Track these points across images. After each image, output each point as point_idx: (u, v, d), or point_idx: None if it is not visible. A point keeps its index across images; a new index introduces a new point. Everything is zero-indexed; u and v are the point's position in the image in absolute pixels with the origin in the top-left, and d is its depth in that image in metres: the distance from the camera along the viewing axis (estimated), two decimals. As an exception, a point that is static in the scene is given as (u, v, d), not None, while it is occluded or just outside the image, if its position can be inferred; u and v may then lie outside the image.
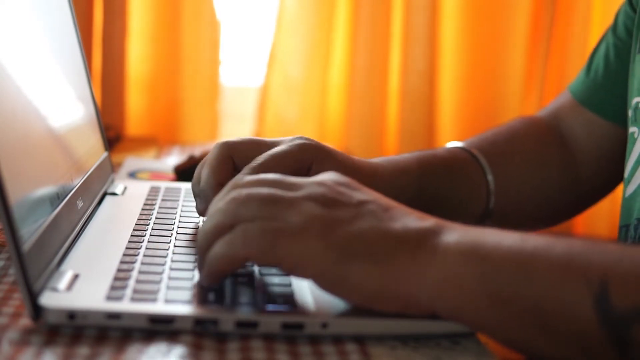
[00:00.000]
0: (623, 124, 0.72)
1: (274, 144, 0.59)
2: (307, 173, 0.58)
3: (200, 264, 0.47)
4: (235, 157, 0.59)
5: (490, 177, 0.70)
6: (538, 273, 0.42)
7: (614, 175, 0.75)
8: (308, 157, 0.58)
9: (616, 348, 0.40)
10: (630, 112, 0.66)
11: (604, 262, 0.42)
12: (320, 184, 0.48)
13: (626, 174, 0.65)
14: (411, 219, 0.47)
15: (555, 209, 0.77)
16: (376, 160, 0.65)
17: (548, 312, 0.42)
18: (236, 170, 0.59)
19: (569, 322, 0.41)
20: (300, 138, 0.59)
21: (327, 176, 0.49)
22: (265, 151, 0.58)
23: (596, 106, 0.74)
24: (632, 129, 0.65)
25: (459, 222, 0.47)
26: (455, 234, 0.46)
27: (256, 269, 0.52)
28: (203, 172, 0.59)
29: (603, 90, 0.74)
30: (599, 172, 0.76)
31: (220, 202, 0.48)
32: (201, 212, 0.60)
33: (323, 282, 0.45)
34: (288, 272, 0.46)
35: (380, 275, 0.44)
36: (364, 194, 0.48)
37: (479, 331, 0.46)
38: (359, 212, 0.46)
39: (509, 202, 0.71)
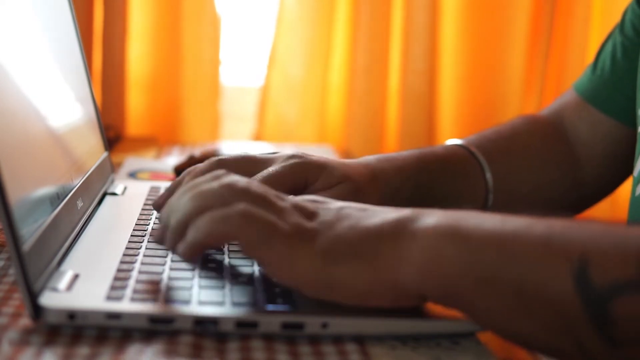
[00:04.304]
0: (628, 122, 0.71)
1: (267, 162, 0.59)
2: (304, 189, 0.59)
3: (176, 236, 0.47)
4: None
5: (488, 175, 0.70)
6: (519, 253, 0.42)
7: (617, 174, 0.75)
8: (302, 176, 0.59)
9: (597, 326, 0.40)
10: (639, 112, 0.66)
11: (584, 240, 0.41)
12: (300, 198, 0.50)
13: (635, 172, 0.65)
14: (388, 212, 0.47)
15: (557, 207, 0.77)
16: (373, 158, 0.65)
17: (530, 292, 0.41)
18: None
19: (551, 302, 0.41)
20: (294, 157, 0.59)
21: (301, 198, 0.50)
22: (258, 169, 0.58)
23: (602, 104, 0.74)
24: None
25: None
26: (434, 217, 0.46)
27: (256, 268, 0.52)
28: (184, 175, 0.58)
29: (609, 88, 0.73)
30: (602, 170, 0.76)
31: (213, 182, 0.47)
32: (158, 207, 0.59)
33: (312, 289, 0.45)
34: (268, 273, 0.46)
35: (367, 272, 0.45)
36: (339, 202, 0.50)
37: (467, 315, 0.45)
38: (337, 217, 0.47)
39: (508, 201, 0.71)
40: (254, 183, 0.48)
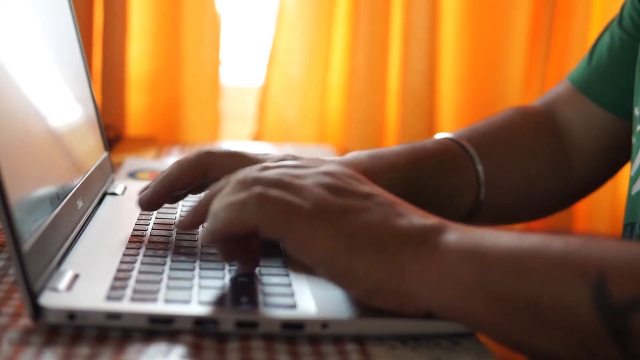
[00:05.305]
0: (622, 115, 0.71)
1: (257, 160, 0.59)
2: None
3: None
4: (211, 168, 0.59)
5: (480, 168, 0.70)
6: (535, 270, 0.42)
7: (609, 166, 0.75)
8: None
9: (615, 340, 0.40)
10: (637, 111, 0.66)
11: (601, 256, 0.42)
12: (328, 173, 0.48)
13: (632, 172, 0.65)
14: (416, 217, 0.47)
15: (548, 199, 0.77)
16: (364, 155, 0.64)
17: (546, 308, 0.42)
18: (208, 181, 0.58)
19: (568, 316, 0.41)
20: (287, 156, 0.59)
21: (334, 167, 0.50)
22: (246, 166, 0.58)
23: (596, 95, 0.74)
24: (639, 128, 0.65)
25: (450, 214, 0.48)
26: (456, 233, 0.46)
27: (256, 269, 0.52)
28: (172, 166, 0.59)
29: (605, 79, 0.73)
30: (594, 162, 0.75)
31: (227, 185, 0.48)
32: (139, 201, 0.60)
33: (327, 269, 0.45)
34: (291, 251, 0.45)
35: (384, 269, 0.45)
36: (371, 187, 0.49)
37: (476, 330, 0.46)
38: (367, 204, 0.47)
39: (499, 193, 0.71)
40: (265, 172, 0.48)
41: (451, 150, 0.70)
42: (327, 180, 0.48)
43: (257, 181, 0.46)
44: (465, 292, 0.44)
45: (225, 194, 0.47)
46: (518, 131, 0.75)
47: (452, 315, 0.45)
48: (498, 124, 0.75)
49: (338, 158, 0.62)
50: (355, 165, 0.62)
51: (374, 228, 0.45)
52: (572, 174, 0.75)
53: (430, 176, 0.67)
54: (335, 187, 0.47)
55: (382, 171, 0.64)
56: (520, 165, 0.74)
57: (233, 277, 0.50)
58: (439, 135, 0.72)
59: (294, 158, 0.59)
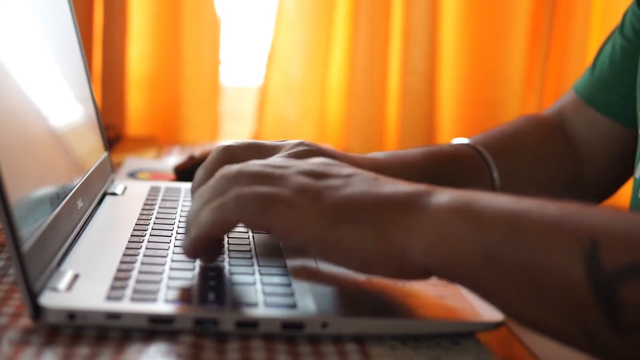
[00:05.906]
0: (628, 123, 0.72)
1: (274, 148, 0.59)
2: None
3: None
4: (234, 161, 0.59)
5: (495, 174, 0.70)
6: (529, 232, 0.42)
7: (618, 175, 0.75)
8: None
9: (604, 309, 0.39)
10: None
11: (595, 222, 0.41)
12: (308, 162, 0.49)
13: (637, 174, 0.65)
14: (401, 184, 0.47)
15: None
16: (380, 155, 0.65)
17: (538, 271, 0.41)
18: None
19: (558, 281, 0.41)
20: (301, 144, 0.59)
21: (314, 159, 0.51)
22: (264, 156, 0.58)
23: (600, 105, 0.74)
24: None
25: None
26: (447, 194, 0.46)
27: (256, 268, 0.52)
28: (198, 173, 0.59)
29: (608, 89, 0.74)
30: (604, 171, 0.76)
31: (210, 180, 0.48)
32: None
33: (318, 247, 0.45)
34: (280, 237, 0.46)
35: (374, 237, 0.44)
36: (352, 169, 0.49)
37: (476, 294, 0.45)
38: (348, 181, 0.47)
39: None
40: (247, 164, 0.48)
41: (468, 155, 0.70)
42: (307, 167, 0.48)
43: (233, 180, 0.47)
44: (461, 250, 0.43)
45: (204, 195, 0.47)
46: (530, 138, 0.76)
47: (449, 274, 0.45)
48: (511, 131, 0.76)
49: (353, 155, 0.62)
50: (371, 162, 0.63)
51: (358, 199, 0.46)
52: (583, 181, 0.76)
53: (446, 178, 0.67)
54: (315, 173, 0.48)
55: (397, 168, 0.64)
56: (534, 172, 0.74)
57: (233, 277, 0.50)
58: (456, 140, 0.73)
59: (308, 146, 0.59)
